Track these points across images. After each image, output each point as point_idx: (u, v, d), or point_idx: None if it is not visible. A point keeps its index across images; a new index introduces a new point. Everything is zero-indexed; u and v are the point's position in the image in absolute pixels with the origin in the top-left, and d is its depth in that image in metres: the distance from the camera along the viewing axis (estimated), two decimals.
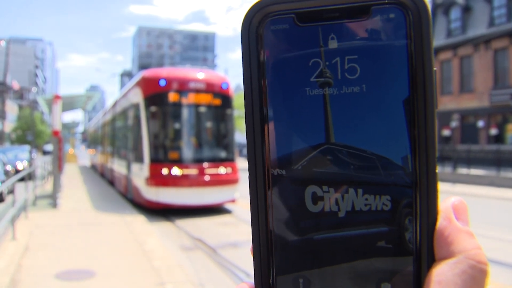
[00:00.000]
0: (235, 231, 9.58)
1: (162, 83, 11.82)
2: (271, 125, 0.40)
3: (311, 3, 0.37)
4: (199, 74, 12.50)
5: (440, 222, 0.38)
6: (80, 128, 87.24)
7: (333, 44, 0.38)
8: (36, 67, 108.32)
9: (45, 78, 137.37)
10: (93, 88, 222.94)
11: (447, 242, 0.37)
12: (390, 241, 0.38)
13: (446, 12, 28.15)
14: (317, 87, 0.39)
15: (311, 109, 0.39)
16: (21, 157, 23.23)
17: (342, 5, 0.37)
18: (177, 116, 12.09)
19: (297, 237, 0.40)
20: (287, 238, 0.40)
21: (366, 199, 0.39)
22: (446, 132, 28.20)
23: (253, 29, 0.39)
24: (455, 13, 27.84)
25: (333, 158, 0.39)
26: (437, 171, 0.37)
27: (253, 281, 0.42)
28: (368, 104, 0.38)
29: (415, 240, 0.38)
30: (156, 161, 11.56)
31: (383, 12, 0.37)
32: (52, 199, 11.95)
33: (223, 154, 12.26)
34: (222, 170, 11.81)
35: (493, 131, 25.26)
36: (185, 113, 12.08)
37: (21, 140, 61.03)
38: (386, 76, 0.37)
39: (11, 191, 12.41)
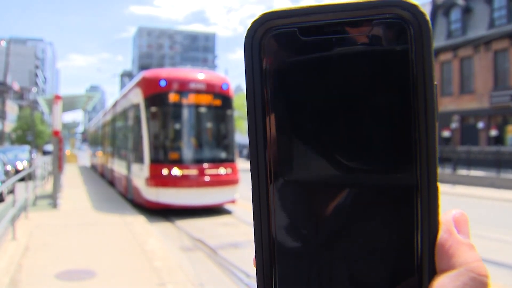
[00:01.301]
0: (235, 231, 9.58)
1: (163, 83, 11.83)
2: (274, 136, 0.40)
3: (314, 17, 0.38)
4: (200, 74, 12.51)
5: (441, 234, 0.38)
6: (80, 128, 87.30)
7: (335, 58, 0.38)
8: (37, 67, 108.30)
9: (45, 78, 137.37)
10: (93, 89, 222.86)
11: (448, 254, 0.37)
12: (392, 252, 0.39)
13: (446, 13, 28.16)
14: (320, 99, 0.39)
15: (314, 118, 0.39)
16: (21, 157, 23.23)
17: (344, 20, 0.38)
18: (177, 117, 12.09)
19: (300, 247, 0.40)
20: (290, 248, 0.40)
21: (368, 210, 0.39)
22: (446, 133, 28.20)
23: (256, 41, 0.40)
24: (455, 14, 27.85)
25: (335, 166, 0.39)
26: (438, 184, 0.38)
27: (254, 282, 0.43)
28: (369, 116, 0.38)
29: (416, 252, 0.38)
30: (156, 162, 11.57)
31: (385, 26, 0.37)
32: (52, 199, 11.95)
33: (223, 154, 12.27)
34: (222, 170, 11.81)
35: (493, 133, 25.25)
36: (186, 113, 12.09)
37: (21, 140, 61.03)
38: (387, 89, 0.38)
39: (11, 191, 12.42)
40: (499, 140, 24.74)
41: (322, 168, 0.40)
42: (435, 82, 0.37)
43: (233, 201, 12.02)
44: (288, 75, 0.40)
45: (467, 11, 27.04)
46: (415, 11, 0.37)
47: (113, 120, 18.77)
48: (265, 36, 0.40)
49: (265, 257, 0.41)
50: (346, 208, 0.39)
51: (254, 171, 0.41)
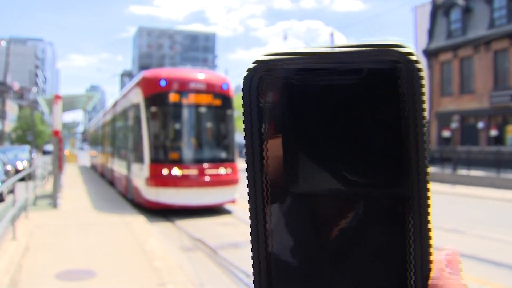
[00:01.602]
0: (235, 231, 9.59)
1: (163, 83, 11.83)
2: (271, 162, 0.42)
3: (308, 64, 0.40)
4: (200, 74, 12.50)
5: (433, 273, 0.39)
6: (80, 128, 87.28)
7: (327, 100, 0.41)
8: (37, 67, 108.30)
9: (45, 78, 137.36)
10: (94, 88, 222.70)
11: None
12: (386, 282, 0.40)
13: (447, 13, 28.17)
14: (313, 132, 0.41)
15: (309, 149, 0.41)
16: (21, 157, 23.22)
17: (337, 65, 0.40)
18: (177, 117, 12.09)
19: (297, 267, 0.41)
20: (288, 266, 0.42)
21: (364, 235, 0.40)
22: (446, 133, 28.20)
23: (254, 83, 0.42)
24: (455, 14, 27.85)
25: (328, 192, 0.41)
26: (430, 222, 0.39)
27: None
28: (359, 152, 0.40)
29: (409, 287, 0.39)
30: (156, 162, 11.56)
31: (376, 70, 0.39)
32: (52, 199, 11.96)
33: (223, 154, 12.27)
34: (222, 170, 11.81)
35: (493, 133, 25.25)
36: (186, 113, 12.09)
37: (21, 140, 61.03)
38: (380, 126, 0.39)
39: (11, 191, 12.41)
40: (499, 140, 24.75)
41: (319, 195, 0.41)
42: (426, 119, 0.38)
43: (233, 201, 12.02)
44: (284, 111, 0.42)
45: (467, 11, 27.05)
46: (406, 55, 0.38)
47: (113, 120, 18.77)
48: (262, 79, 0.42)
49: (262, 275, 0.42)
50: (339, 229, 0.41)
51: (252, 194, 0.43)
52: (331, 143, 0.41)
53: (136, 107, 12.61)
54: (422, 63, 0.38)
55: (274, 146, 0.42)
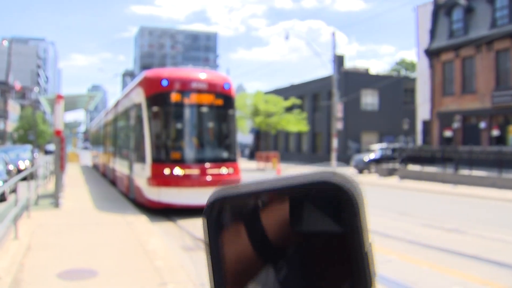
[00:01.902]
0: None
1: (164, 83, 11.83)
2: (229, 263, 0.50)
3: (256, 199, 0.48)
4: (201, 74, 12.51)
5: None
6: (82, 128, 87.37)
7: (280, 222, 0.47)
8: (38, 66, 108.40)
9: (47, 77, 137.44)
10: (95, 88, 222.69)
11: None
12: None
13: (448, 13, 28.12)
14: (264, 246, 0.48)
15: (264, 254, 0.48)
16: (23, 157, 23.25)
17: (284, 196, 0.46)
18: (179, 116, 12.09)
19: None
20: None
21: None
22: (448, 133, 28.16)
23: (213, 215, 0.51)
24: (457, 14, 27.80)
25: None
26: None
27: None
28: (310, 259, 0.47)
29: None
30: (158, 161, 11.57)
31: (319, 193, 0.44)
32: (54, 198, 11.97)
33: (225, 154, 12.27)
34: (224, 170, 11.81)
35: (495, 132, 25.20)
36: (187, 113, 12.08)
37: (23, 139, 61.16)
38: (329, 239, 0.45)
39: (13, 191, 12.42)
40: (501, 140, 24.69)
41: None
42: (370, 242, 0.43)
43: None
44: (243, 238, 0.50)
45: (469, 11, 26.99)
46: (344, 188, 0.43)
47: (115, 119, 18.78)
48: (221, 211, 0.51)
49: None
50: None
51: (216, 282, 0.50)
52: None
53: (138, 106, 12.62)
54: (359, 189, 0.44)
55: (238, 249, 0.49)
